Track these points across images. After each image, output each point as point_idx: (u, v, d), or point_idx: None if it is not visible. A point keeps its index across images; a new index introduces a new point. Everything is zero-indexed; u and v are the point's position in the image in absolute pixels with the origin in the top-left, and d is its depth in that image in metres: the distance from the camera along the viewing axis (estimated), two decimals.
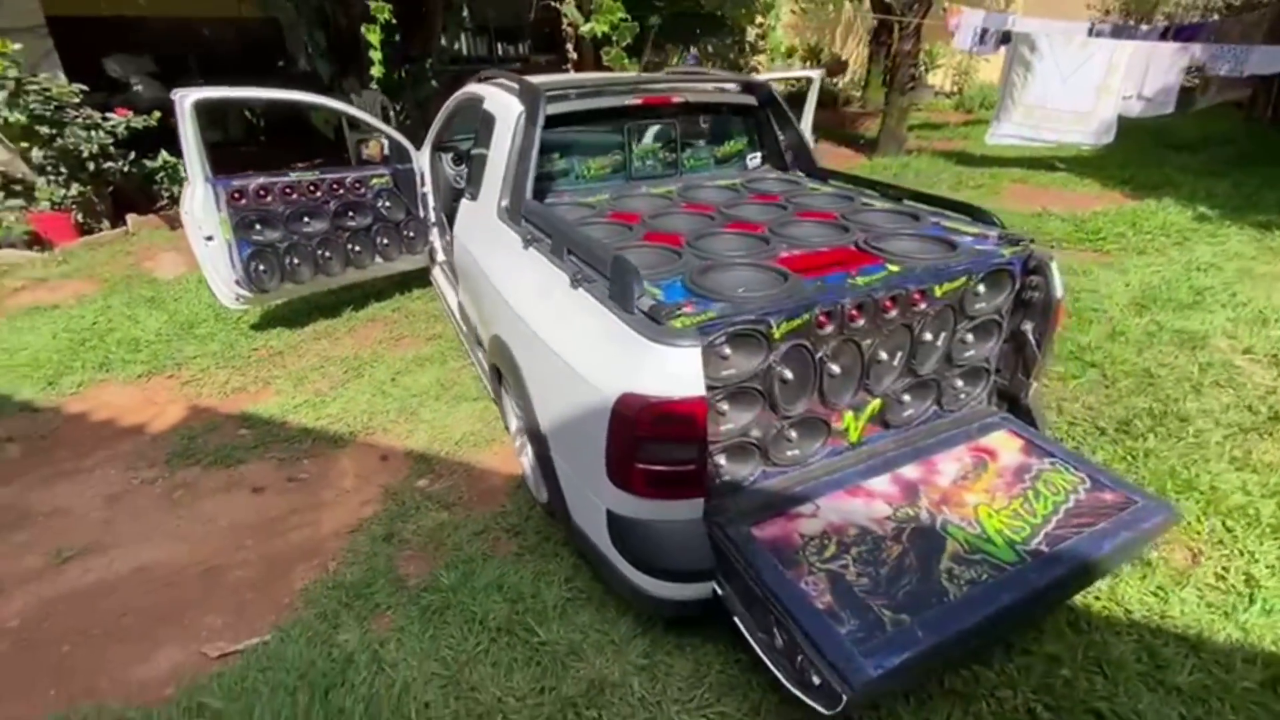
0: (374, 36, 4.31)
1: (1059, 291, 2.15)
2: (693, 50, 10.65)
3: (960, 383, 2.33)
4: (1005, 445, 2.19)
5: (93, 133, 5.26)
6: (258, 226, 3.58)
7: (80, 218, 5.56)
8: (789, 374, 1.90)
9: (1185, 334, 3.86)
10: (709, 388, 1.77)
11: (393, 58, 8.13)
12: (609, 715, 1.80)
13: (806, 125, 4.96)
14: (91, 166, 5.41)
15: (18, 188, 5.29)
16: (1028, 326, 2.24)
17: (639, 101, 2.92)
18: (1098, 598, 2.17)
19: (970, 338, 2.26)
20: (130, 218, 5.85)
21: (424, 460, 2.91)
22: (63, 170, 5.37)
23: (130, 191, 6.01)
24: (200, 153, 3.32)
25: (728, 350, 1.76)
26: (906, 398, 2.23)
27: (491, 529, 2.49)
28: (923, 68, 12.89)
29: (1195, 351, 3.67)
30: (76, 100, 5.21)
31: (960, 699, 1.84)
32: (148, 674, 1.99)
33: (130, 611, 2.23)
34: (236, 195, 3.47)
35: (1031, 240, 2.23)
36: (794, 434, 2.03)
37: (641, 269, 2.06)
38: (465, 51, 10.52)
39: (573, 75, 3.35)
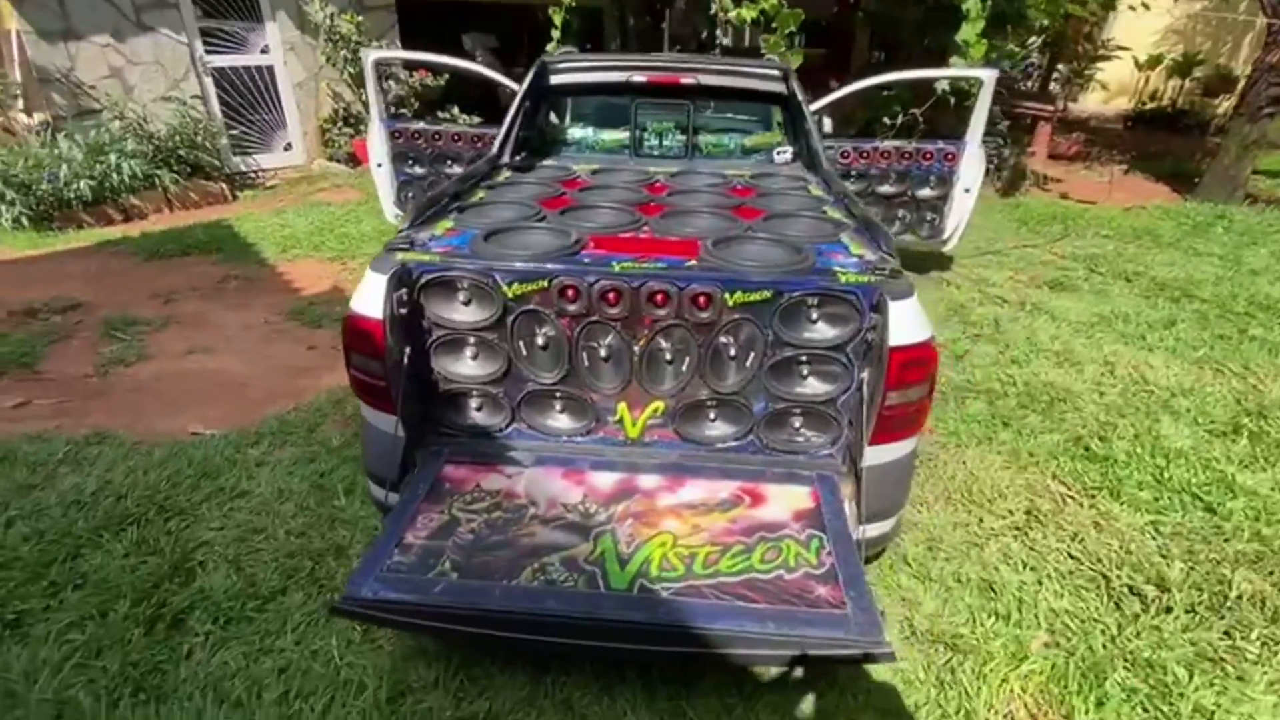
0: (558, 17, 4.94)
1: (896, 337, 1.70)
2: (1031, 58, 9.19)
3: (799, 423, 2.00)
4: (784, 499, 1.84)
5: (395, 85, 7.07)
6: (409, 161, 4.54)
7: None
8: (539, 340, 1.93)
9: None
10: (448, 327, 1.94)
11: (649, 41, 8.90)
12: (320, 573, 2.15)
13: (975, 136, 4.15)
14: (393, 110, 7.27)
15: (353, 120, 7.42)
16: (864, 375, 1.82)
17: (644, 79, 2.95)
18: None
19: (806, 372, 1.92)
20: None
21: None
22: None
23: None
24: (379, 98, 4.35)
25: (464, 296, 1.90)
26: (712, 415, 2.01)
27: None
28: None
29: None
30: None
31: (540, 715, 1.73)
32: (161, 426, 2.97)
33: (191, 391, 3.28)
34: (396, 134, 4.45)
35: (893, 273, 1.78)
36: (558, 406, 2.04)
37: (499, 223, 2.26)
38: (730, 42, 10.89)
39: (610, 54, 3.49)
